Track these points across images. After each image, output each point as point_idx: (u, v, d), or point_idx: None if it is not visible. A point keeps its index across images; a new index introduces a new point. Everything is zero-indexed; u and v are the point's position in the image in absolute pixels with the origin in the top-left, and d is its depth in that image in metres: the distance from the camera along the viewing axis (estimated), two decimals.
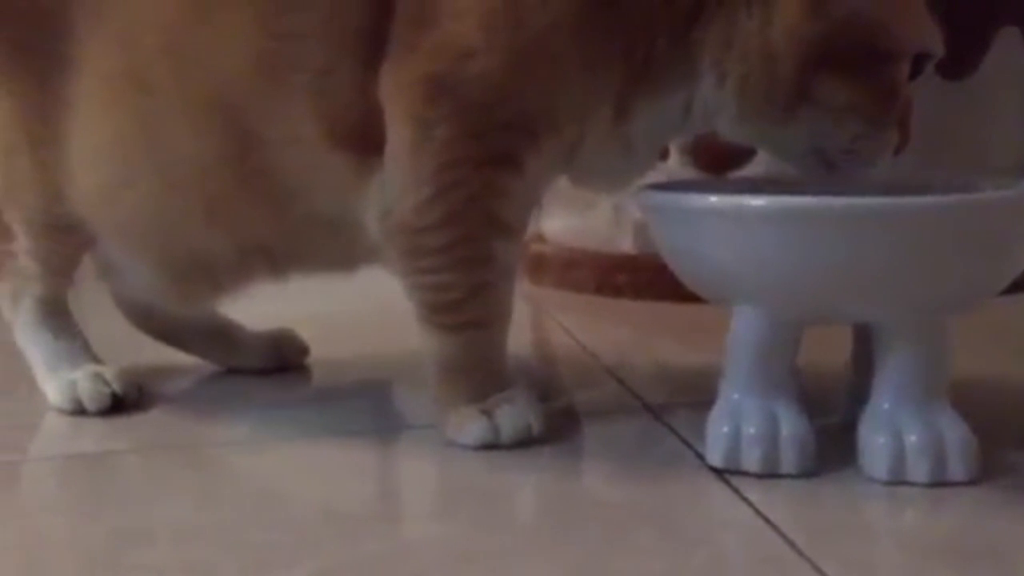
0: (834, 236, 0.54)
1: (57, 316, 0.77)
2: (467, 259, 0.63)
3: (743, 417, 0.59)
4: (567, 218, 1.16)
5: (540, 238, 1.20)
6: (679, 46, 0.60)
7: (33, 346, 0.77)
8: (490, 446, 0.64)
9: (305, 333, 0.87)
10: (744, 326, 0.59)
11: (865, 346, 0.63)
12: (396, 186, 0.63)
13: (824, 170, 0.63)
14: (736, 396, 0.60)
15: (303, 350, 0.86)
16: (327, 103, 0.63)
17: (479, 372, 0.65)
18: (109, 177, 0.69)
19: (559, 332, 0.98)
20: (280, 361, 0.85)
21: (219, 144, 0.66)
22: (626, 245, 1.12)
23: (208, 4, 0.65)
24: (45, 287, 0.76)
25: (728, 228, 0.57)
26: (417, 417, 0.72)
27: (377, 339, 0.96)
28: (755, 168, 0.94)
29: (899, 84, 0.61)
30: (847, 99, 0.59)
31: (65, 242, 0.75)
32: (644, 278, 1.07)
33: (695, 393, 0.76)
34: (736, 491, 0.57)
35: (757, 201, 0.56)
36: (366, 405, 0.80)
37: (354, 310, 1.04)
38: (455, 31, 0.60)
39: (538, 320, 1.04)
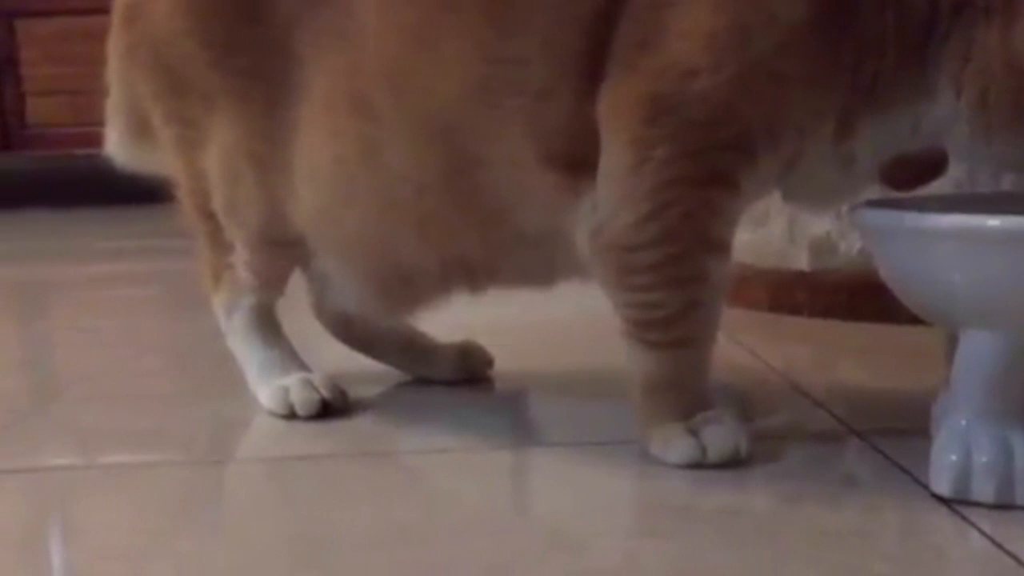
0: None
1: (268, 325, 0.81)
2: (680, 277, 0.63)
3: (974, 445, 0.57)
4: (739, 233, 1.14)
5: None
6: (911, 61, 0.59)
7: (246, 353, 0.81)
8: (695, 465, 0.64)
9: (489, 345, 0.88)
10: (977, 351, 0.57)
11: None
12: (610, 205, 0.64)
13: None
14: (964, 422, 0.57)
15: (488, 361, 0.88)
16: (543, 125, 0.65)
17: (685, 390, 0.65)
18: (331, 197, 0.72)
19: (738, 351, 0.96)
20: (467, 372, 0.87)
21: (436, 165, 0.68)
22: (801, 262, 1.10)
23: (429, 33, 0.67)
24: (259, 298, 0.80)
25: (966, 250, 0.55)
26: (602, 432, 0.72)
27: (562, 352, 0.97)
28: (944, 184, 0.91)
29: None
30: None
31: (282, 256, 0.78)
32: (824, 296, 1.05)
33: (897, 416, 0.74)
34: (969, 522, 0.55)
35: (999, 223, 0.54)
36: (552, 417, 0.80)
37: (538, 323, 1.06)
38: (679, 51, 0.60)
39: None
